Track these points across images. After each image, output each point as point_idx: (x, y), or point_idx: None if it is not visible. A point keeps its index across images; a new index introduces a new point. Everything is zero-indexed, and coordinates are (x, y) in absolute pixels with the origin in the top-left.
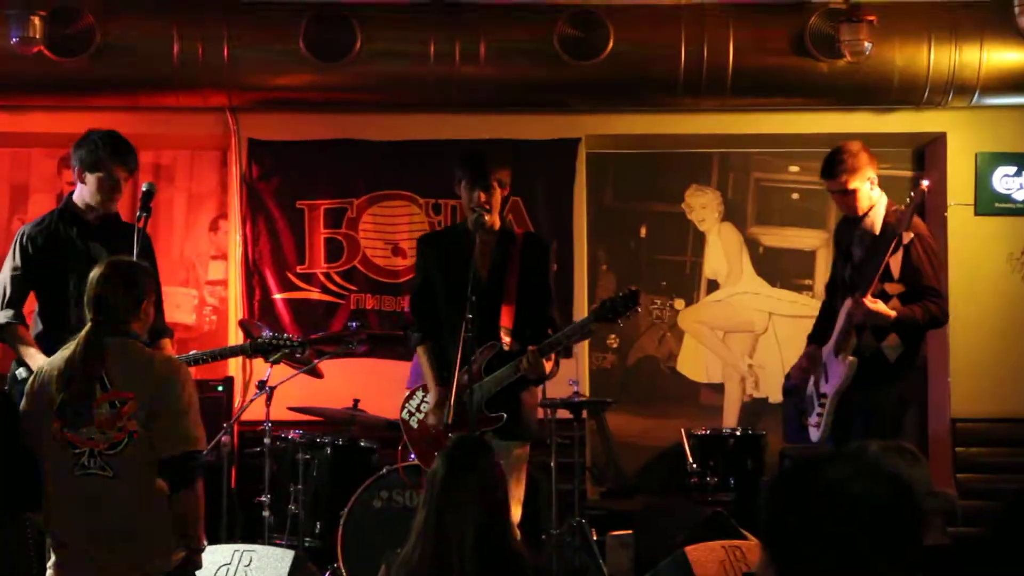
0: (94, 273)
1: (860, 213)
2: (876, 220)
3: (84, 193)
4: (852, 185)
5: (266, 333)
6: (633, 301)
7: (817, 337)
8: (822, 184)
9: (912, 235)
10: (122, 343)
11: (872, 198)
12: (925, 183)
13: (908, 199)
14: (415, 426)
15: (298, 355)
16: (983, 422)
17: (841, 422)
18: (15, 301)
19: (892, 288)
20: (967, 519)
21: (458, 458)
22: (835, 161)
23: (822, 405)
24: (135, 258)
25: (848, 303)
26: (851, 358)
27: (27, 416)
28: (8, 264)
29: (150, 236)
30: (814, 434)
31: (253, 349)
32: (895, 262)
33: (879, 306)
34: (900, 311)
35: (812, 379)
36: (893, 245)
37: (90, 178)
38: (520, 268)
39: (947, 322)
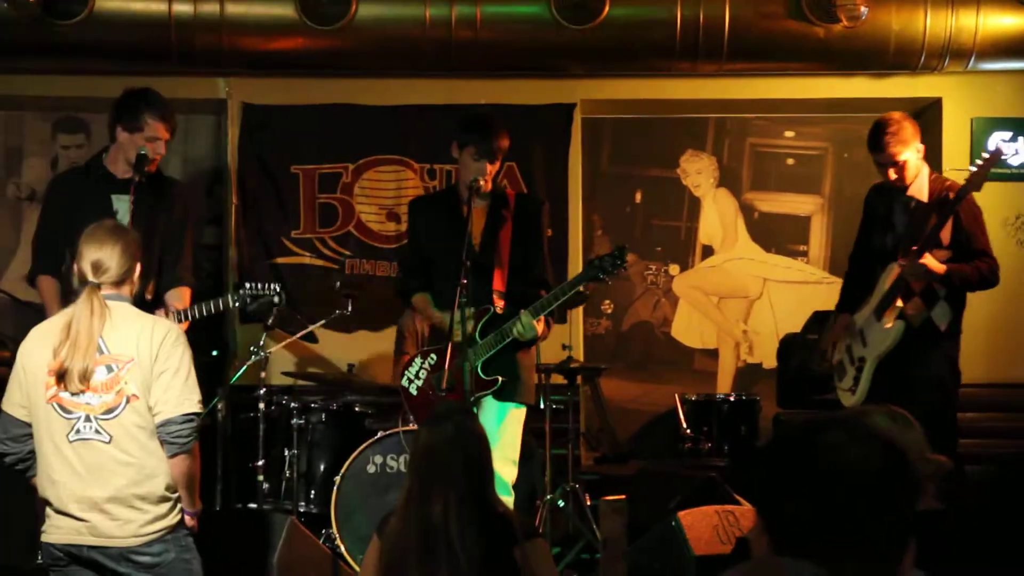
0: (89, 236)
1: (908, 183)
2: (923, 187)
3: (119, 149)
4: (902, 157)
5: (247, 286)
6: (621, 258)
7: (847, 306)
8: (817, 149)
9: None
10: (118, 306)
11: (918, 167)
12: (1001, 144)
13: (980, 160)
14: (415, 393)
15: (276, 302)
16: (980, 387)
17: (884, 389)
18: (47, 252)
19: (940, 255)
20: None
21: (441, 426)
22: (883, 133)
23: (859, 369)
24: (178, 219)
25: (892, 268)
26: (898, 321)
27: (18, 380)
28: (40, 215)
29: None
30: (848, 398)
31: (235, 303)
32: (944, 230)
33: (931, 262)
34: (951, 266)
35: (846, 345)
36: (957, 207)
37: (123, 133)
38: (513, 230)
39: (998, 283)
